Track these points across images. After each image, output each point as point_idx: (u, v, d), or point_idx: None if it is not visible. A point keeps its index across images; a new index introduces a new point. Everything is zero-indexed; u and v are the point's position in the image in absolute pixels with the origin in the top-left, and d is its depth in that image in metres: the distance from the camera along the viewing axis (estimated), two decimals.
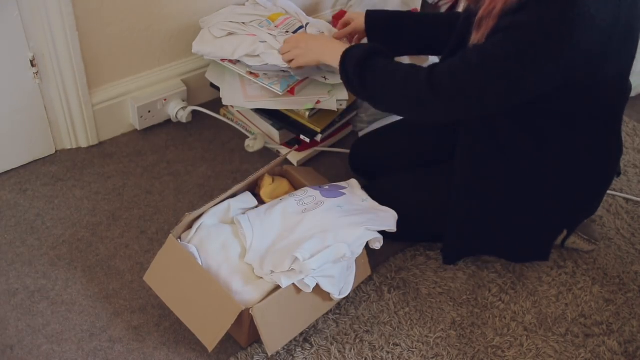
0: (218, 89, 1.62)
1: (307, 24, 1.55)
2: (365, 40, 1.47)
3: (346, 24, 1.49)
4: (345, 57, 1.23)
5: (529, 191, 1.25)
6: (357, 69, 1.18)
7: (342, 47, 1.25)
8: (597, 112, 1.16)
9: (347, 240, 1.20)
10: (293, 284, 1.16)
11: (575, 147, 1.20)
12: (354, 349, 1.25)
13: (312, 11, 1.92)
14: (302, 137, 1.57)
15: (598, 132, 1.20)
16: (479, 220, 1.30)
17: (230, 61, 1.53)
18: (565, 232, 1.44)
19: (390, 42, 1.39)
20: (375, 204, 1.31)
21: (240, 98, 1.55)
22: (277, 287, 1.17)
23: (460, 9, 1.59)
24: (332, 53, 1.26)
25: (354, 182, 1.37)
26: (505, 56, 1.02)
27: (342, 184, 1.37)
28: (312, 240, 1.18)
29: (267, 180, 1.37)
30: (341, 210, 1.27)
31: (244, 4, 1.70)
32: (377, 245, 1.27)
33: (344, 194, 1.33)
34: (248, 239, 1.23)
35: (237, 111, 1.69)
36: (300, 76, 1.50)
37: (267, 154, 1.64)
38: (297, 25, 1.55)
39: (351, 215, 1.26)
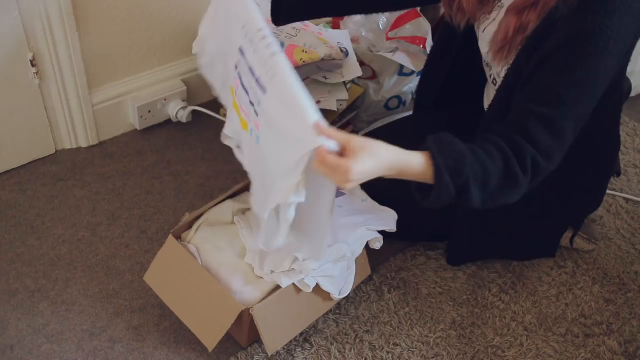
0: None
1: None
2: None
3: None
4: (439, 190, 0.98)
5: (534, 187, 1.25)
6: (453, 194, 1.00)
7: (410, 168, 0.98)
8: (602, 108, 1.17)
9: (347, 240, 1.20)
10: (293, 283, 1.16)
11: (579, 143, 1.20)
12: (354, 349, 1.25)
13: None
14: None
15: (602, 127, 1.21)
16: (485, 219, 1.30)
17: None
18: (571, 232, 1.45)
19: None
20: (375, 203, 1.31)
21: None
22: (277, 287, 1.17)
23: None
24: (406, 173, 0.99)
25: None
26: (578, 91, 0.99)
27: None
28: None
29: None
30: (341, 210, 1.27)
31: None
32: (377, 245, 1.27)
33: (344, 193, 1.33)
34: (248, 240, 1.23)
35: None
36: (300, 76, 1.50)
37: None
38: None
39: (351, 215, 1.26)
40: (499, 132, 1.02)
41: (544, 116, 1.00)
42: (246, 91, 1.00)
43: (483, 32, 1.19)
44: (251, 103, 0.98)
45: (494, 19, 1.16)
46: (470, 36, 1.24)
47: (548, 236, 1.41)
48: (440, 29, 1.30)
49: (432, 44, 1.54)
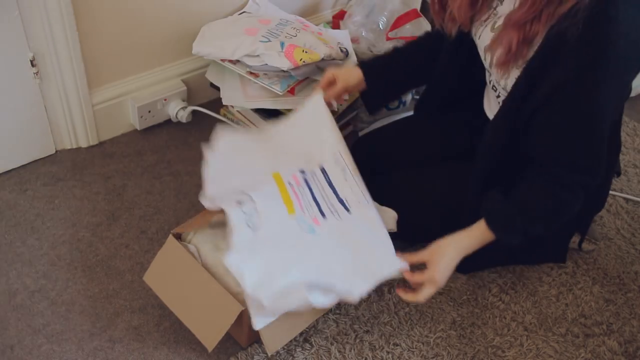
0: (218, 89, 1.62)
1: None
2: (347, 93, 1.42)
3: (331, 82, 1.36)
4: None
5: None
6: (518, 239, 1.16)
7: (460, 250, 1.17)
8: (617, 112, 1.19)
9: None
10: None
11: None
12: (354, 349, 1.25)
13: (312, 11, 1.92)
14: None
15: (613, 124, 1.23)
16: None
17: (230, 61, 1.53)
18: (578, 237, 1.46)
19: (392, 84, 1.40)
20: (376, 204, 1.31)
21: (240, 98, 1.55)
22: None
23: None
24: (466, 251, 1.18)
25: None
26: (601, 113, 1.05)
27: None
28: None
29: None
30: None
31: (244, 6, 1.71)
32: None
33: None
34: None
35: (237, 111, 1.69)
36: (300, 76, 1.50)
37: None
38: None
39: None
40: (538, 172, 1.13)
41: (581, 145, 1.08)
42: (312, 192, 1.22)
43: (479, 38, 1.20)
44: (316, 203, 1.21)
45: (486, 25, 1.16)
46: (467, 40, 1.25)
47: (557, 241, 1.43)
48: (446, 40, 1.30)
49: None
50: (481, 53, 1.20)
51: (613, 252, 1.51)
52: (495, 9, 1.14)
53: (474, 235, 1.15)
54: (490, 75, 1.26)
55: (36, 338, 1.21)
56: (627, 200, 1.66)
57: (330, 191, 1.24)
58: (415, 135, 1.49)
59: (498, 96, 1.23)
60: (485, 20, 1.16)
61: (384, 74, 1.37)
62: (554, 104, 1.05)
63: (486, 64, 1.20)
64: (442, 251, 1.14)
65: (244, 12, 1.69)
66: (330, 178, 1.25)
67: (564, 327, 1.34)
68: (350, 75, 1.35)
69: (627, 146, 1.84)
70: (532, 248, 1.42)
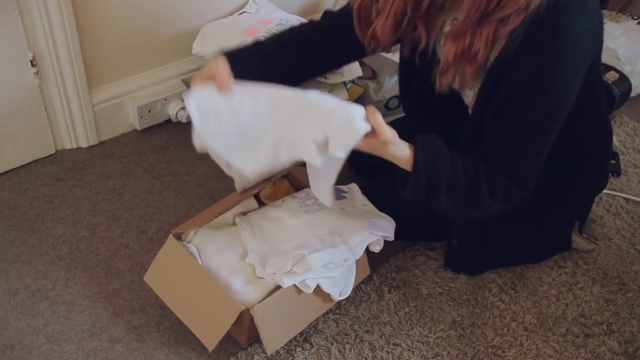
0: None
1: None
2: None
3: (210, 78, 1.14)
4: (414, 180, 1.11)
5: (544, 181, 1.25)
6: (420, 195, 1.12)
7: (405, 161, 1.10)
8: (592, 94, 1.19)
9: (348, 242, 1.20)
10: (294, 284, 1.16)
11: (575, 136, 1.21)
12: (354, 349, 1.25)
13: (312, 11, 1.92)
14: None
15: (595, 113, 1.25)
16: (500, 226, 1.30)
17: None
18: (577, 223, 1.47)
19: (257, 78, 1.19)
20: (375, 209, 1.31)
21: None
22: (277, 287, 1.17)
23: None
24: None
25: (354, 187, 1.37)
26: (547, 122, 1.06)
27: (343, 187, 1.37)
28: (320, 243, 1.19)
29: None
30: (344, 213, 1.27)
31: (244, 6, 1.71)
32: (377, 248, 1.27)
33: (345, 197, 1.33)
34: (249, 241, 1.23)
35: None
36: None
37: None
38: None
39: (355, 217, 1.26)
40: (480, 157, 1.11)
41: (516, 153, 1.09)
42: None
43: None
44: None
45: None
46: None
47: (561, 230, 1.44)
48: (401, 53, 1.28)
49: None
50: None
51: (613, 252, 1.51)
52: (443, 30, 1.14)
53: (405, 156, 1.09)
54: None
55: (36, 338, 1.20)
56: (627, 200, 1.66)
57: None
58: (414, 135, 1.49)
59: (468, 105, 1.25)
60: (445, 45, 1.16)
61: (249, 67, 1.18)
62: (501, 113, 1.07)
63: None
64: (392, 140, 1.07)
65: (244, 12, 1.69)
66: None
67: (564, 327, 1.34)
68: (221, 67, 1.14)
69: (627, 146, 1.84)
70: (538, 245, 1.43)
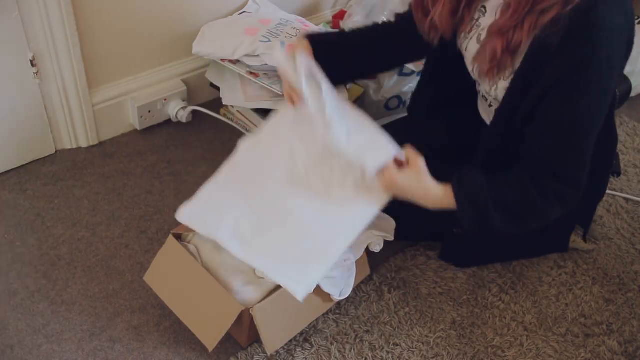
0: (218, 89, 1.62)
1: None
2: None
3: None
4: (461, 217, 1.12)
5: None
6: (477, 226, 1.12)
7: (440, 196, 1.11)
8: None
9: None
10: None
11: None
12: (354, 349, 1.25)
13: (312, 11, 1.92)
14: None
15: (605, 121, 1.23)
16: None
17: (230, 61, 1.53)
18: (581, 231, 1.47)
19: (335, 68, 1.24)
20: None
21: (240, 98, 1.55)
22: (277, 287, 1.17)
23: None
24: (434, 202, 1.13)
25: None
26: (589, 118, 1.04)
27: None
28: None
29: None
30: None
31: (244, 6, 1.71)
32: (377, 248, 1.27)
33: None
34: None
35: (237, 111, 1.69)
36: None
37: None
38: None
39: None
40: (521, 166, 1.10)
41: (561, 152, 1.07)
42: None
43: (465, 50, 1.20)
44: None
45: (471, 38, 1.16)
46: (452, 48, 1.25)
47: (561, 231, 1.44)
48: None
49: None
50: (468, 65, 1.21)
51: (613, 252, 1.51)
52: (477, 20, 1.15)
53: (440, 192, 1.10)
54: (479, 85, 1.26)
55: (36, 338, 1.21)
56: (627, 200, 1.66)
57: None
58: (415, 136, 1.49)
59: (490, 105, 1.24)
60: (469, 33, 1.17)
61: (330, 54, 1.24)
62: (540, 112, 1.06)
63: (474, 75, 1.20)
64: (421, 171, 1.10)
65: (244, 12, 1.69)
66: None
67: (564, 327, 1.34)
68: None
69: (627, 146, 1.84)
70: (535, 240, 1.43)
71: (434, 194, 1.10)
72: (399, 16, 1.31)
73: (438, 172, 1.26)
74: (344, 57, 1.27)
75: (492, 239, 1.39)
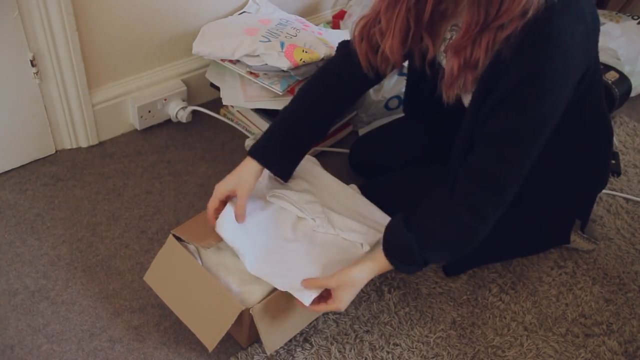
0: (218, 89, 1.62)
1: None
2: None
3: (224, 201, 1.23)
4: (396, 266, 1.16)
5: (544, 177, 1.25)
6: (418, 268, 1.16)
7: (366, 272, 1.15)
8: (588, 96, 1.18)
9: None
10: None
11: (574, 135, 1.22)
12: (354, 349, 1.25)
13: (312, 11, 1.92)
14: None
15: (593, 113, 1.24)
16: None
17: (230, 61, 1.53)
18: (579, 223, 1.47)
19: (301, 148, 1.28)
20: (376, 209, 1.31)
21: (240, 98, 1.55)
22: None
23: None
24: (369, 275, 1.16)
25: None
26: (537, 130, 1.04)
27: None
28: None
29: None
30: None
31: (244, 6, 1.71)
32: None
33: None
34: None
35: (237, 111, 1.69)
36: (300, 76, 1.50)
37: None
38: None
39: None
40: (459, 188, 1.10)
41: (505, 160, 1.06)
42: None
43: (444, 66, 1.20)
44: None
45: (445, 57, 1.16)
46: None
47: (561, 225, 1.44)
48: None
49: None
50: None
51: (613, 252, 1.51)
52: (451, 39, 1.14)
53: (378, 264, 1.14)
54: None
55: (36, 338, 1.21)
56: (627, 200, 1.66)
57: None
58: (417, 134, 1.49)
59: None
60: (445, 52, 1.17)
61: (288, 147, 1.25)
62: (489, 123, 1.05)
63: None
64: (349, 280, 1.13)
65: (244, 12, 1.69)
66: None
67: (564, 327, 1.34)
68: (247, 178, 1.21)
69: (627, 146, 1.84)
70: (535, 238, 1.43)
71: (369, 276, 1.15)
72: (335, 62, 1.30)
73: (439, 175, 1.26)
74: (306, 133, 1.26)
75: (493, 243, 1.38)
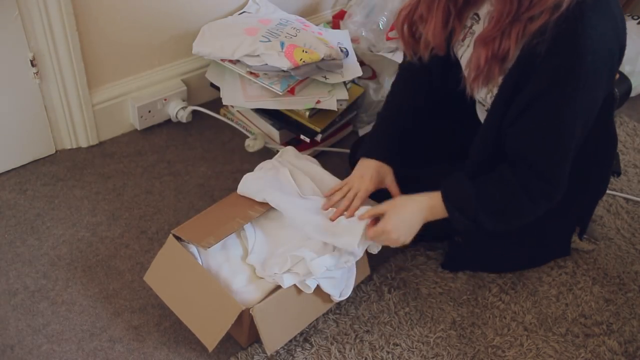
0: (218, 88, 1.62)
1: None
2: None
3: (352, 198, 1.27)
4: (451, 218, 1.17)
5: None
6: (467, 224, 1.17)
7: (424, 210, 1.18)
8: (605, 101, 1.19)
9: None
10: (294, 284, 1.16)
11: (585, 139, 1.22)
12: (354, 349, 1.25)
13: (312, 11, 1.92)
14: (302, 137, 1.57)
15: (599, 126, 1.22)
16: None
17: (230, 61, 1.53)
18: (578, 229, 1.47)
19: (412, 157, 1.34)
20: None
21: (240, 98, 1.55)
22: (277, 287, 1.17)
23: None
24: (427, 215, 1.19)
25: None
26: (575, 124, 1.05)
27: None
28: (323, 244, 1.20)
29: None
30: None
31: (244, 6, 1.71)
32: (375, 250, 1.27)
33: None
34: (250, 241, 1.23)
35: (237, 111, 1.69)
36: (300, 76, 1.50)
37: (267, 154, 1.64)
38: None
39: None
40: (507, 169, 1.13)
41: (547, 155, 1.09)
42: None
43: (461, 57, 1.20)
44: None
45: (467, 46, 1.16)
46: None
47: (561, 235, 1.43)
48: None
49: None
50: (464, 71, 1.21)
51: (613, 252, 1.51)
52: (471, 28, 1.15)
53: (431, 202, 1.17)
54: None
55: (36, 338, 1.20)
56: (627, 200, 1.66)
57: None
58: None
59: (487, 110, 1.24)
60: (463, 40, 1.17)
61: (400, 145, 1.33)
62: (527, 116, 1.07)
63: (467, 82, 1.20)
64: (400, 203, 1.18)
65: (244, 12, 1.69)
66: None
67: (564, 327, 1.34)
68: (382, 175, 1.30)
69: (627, 146, 1.84)
70: (537, 248, 1.43)
71: (422, 209, 1.17)
72: (409, 68, 1.33)
73: (443, 175, 1.26)
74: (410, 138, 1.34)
75: (494, 249, 1.39)
